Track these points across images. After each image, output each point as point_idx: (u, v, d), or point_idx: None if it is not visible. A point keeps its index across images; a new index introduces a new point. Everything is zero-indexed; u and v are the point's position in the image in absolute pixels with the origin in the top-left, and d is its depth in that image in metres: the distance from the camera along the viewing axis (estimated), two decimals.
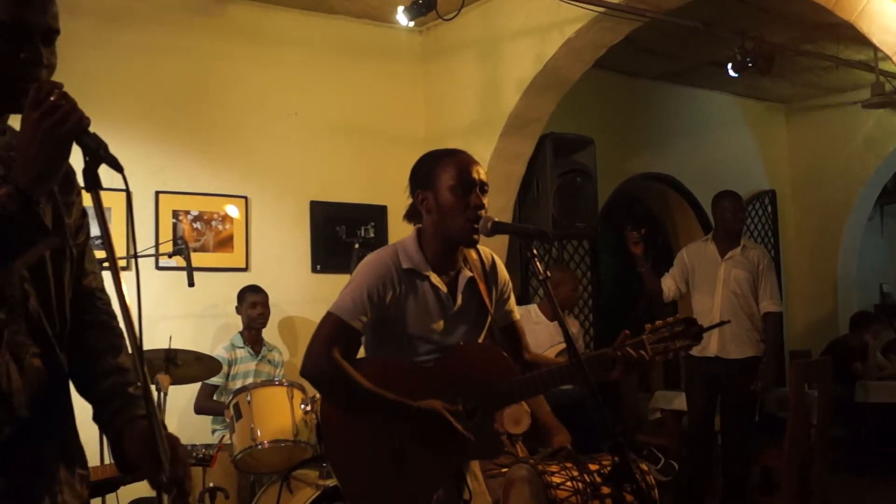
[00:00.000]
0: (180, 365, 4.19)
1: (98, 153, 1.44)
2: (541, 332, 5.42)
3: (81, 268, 1.76)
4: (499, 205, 5.80)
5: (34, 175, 1.41)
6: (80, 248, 1.75)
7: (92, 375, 1.75)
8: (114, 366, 1.75)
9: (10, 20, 1.49)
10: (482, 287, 2.64)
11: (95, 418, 1.74)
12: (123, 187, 1.46)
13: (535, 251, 2.41)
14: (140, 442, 1.61)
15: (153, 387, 3.96)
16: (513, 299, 2.78)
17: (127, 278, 1.41)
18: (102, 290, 1.82)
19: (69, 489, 1.66)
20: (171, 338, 4.26)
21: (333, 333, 2.43)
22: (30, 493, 1.60)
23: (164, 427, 1.64)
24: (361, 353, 2.58)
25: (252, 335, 5.26)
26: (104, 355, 1.75)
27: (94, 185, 1.46)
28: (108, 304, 1.82)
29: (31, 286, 1.59)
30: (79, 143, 1.44)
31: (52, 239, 1.52)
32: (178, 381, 4.28)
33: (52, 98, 1.41)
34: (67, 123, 1.41)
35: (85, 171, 1.45)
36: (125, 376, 1.74)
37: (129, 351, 1.75)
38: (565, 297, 5.64)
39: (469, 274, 2.61)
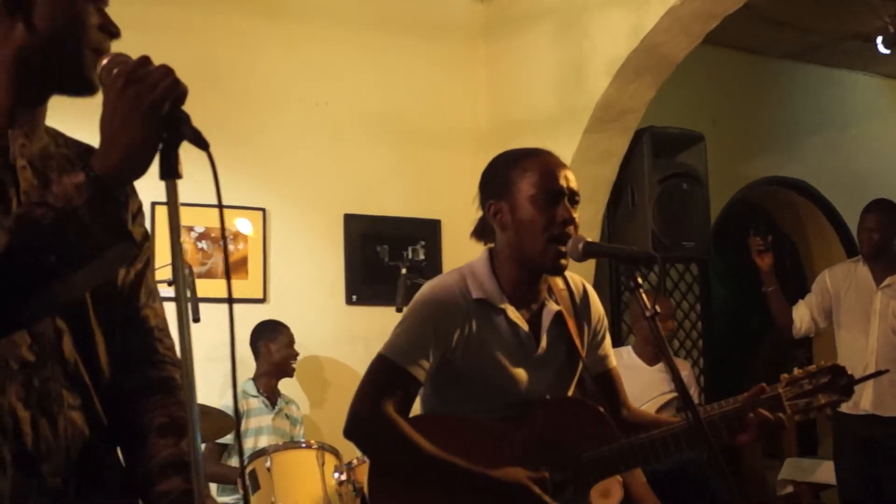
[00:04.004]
0: None
1: (180, 127, 1.41)
2: (636, 379, 5.36)
3: (136, 300, 1.72)
4: (584, 217, 5.65)
5: (114, 160, 1.41)
6: (137, 275, 1.73)
7: (140, 461, 1.70)
8: (173, 459, 1.68)
9: None
10: (572, 325, 2.63)
11: None
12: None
13: (639, 280, 2.36)
14: None
15: None
16: (608, 340, 2.77)
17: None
18: (164, 330, 1.78)
19: None
20: None
21: (386, 382, 2.43)
22: None
23: None
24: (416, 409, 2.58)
25: (271, 383, 5.30)
26: (162, 435, 1.69)
27: (172, 172, 1.41)
28: (172, 348, 1.76)
29: (63, 322, 1.57)
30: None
31: (127, 245, 1.46)
32: None
33: (142, 64, 1.44)
34: (158, 89, 1.40)
35: (163, 153, 1.41)
36: (187, 476, 1.66)
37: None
38: (667, 331, 5.63)
39: (556, 307, 2.60)
